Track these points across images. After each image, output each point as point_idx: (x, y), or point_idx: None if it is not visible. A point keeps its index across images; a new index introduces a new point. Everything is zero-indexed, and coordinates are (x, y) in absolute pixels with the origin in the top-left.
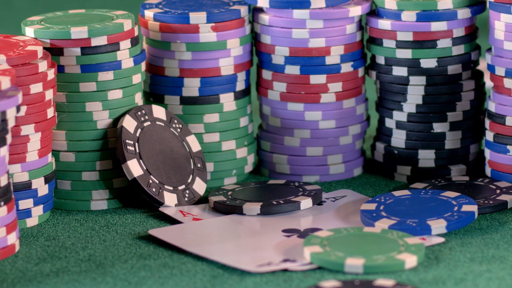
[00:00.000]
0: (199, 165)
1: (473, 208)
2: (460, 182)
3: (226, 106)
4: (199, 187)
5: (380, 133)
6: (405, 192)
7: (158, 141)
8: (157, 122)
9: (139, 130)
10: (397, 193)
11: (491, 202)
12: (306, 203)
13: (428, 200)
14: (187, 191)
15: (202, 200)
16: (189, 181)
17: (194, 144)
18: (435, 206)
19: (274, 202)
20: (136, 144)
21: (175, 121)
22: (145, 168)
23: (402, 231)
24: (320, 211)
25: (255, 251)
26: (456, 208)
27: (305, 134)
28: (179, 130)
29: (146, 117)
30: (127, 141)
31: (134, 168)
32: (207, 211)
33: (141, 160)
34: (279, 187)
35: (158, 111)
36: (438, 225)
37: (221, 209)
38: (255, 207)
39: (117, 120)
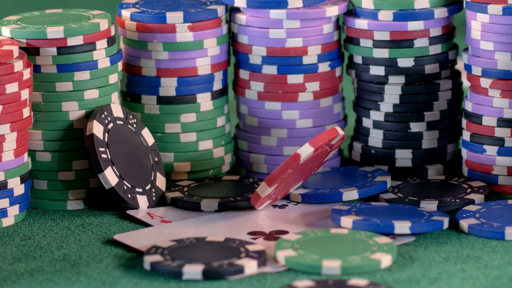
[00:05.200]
0: (156, 159)
1: (443, 218)
2: (435, 181)
3: (203, 106)
4: (161, 182)
5: (357, 132)
6: (383, 203)
7: (123, 142)
8: (117, 122)
9: (106, 134)
10: (374, 203)
11: (457, 200)
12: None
13: (402, 209)
14: (153, 190)
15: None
16: (152, 178)
17: (148, 138)
18: (407, 214)
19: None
20: (107, 150)
21: (130, 116)
22: (118, 174)
23: (366, 227)
24: (286, 214)
25: None
26: (426, 217)
27: (282, 134)
28: (134, 125)
29: (109, 119)
30: (100, 148)
31: (111, 176)
32: (173, 211)
33: (113, 166)
34: (234, 184)
35: (116, 109)
36: (402, 225)
37: (179, 205)
38: (213, 203)
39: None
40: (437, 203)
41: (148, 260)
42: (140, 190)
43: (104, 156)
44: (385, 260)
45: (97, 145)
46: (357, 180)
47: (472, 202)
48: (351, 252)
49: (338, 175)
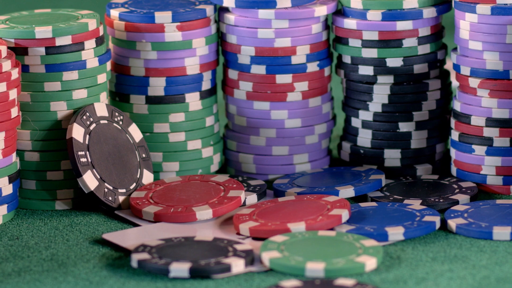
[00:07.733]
0: (144, 155)
1: (435, 219)
2: (427, 180)
3: (192, 106)
4: (148, 179)
5: (346, 132)
6: (372, 203)
7: (105, 143)
8: (101, 121)
9: (87, 137)
10: (363, 204)
11: (441, 200)
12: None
13: (392, 210)
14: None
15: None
16: (138, 176)
17: (136, 134)
18: (397, 216)
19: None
20: (87, 152)
21: (116, 113)
22: (98, 177)
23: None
24: None
25: None
26: (418, 218)
27: (271, 133)
28: (121, 122)
29: (91, 119)
30: (79, 152)
31: (90, 180)
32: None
33: (94, 169)
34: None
35: (100, 109)
36: (395, 232)
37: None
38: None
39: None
40: (420, 202)
41: (135, 258)
42: (124, 190)
43: (83, 160)
44: (370, 263)
45: (76, 149)
46: (352, 179)
47: (456, 202)
48: (336, 255)
49: (332, 175)
